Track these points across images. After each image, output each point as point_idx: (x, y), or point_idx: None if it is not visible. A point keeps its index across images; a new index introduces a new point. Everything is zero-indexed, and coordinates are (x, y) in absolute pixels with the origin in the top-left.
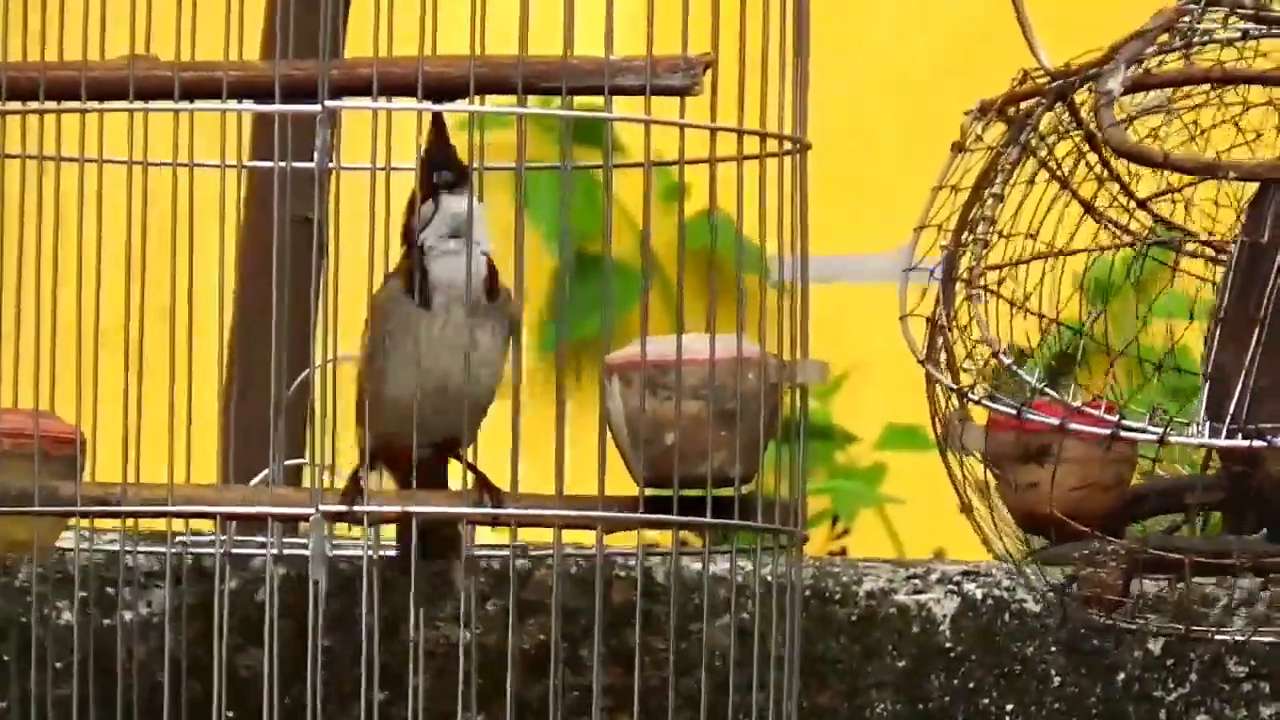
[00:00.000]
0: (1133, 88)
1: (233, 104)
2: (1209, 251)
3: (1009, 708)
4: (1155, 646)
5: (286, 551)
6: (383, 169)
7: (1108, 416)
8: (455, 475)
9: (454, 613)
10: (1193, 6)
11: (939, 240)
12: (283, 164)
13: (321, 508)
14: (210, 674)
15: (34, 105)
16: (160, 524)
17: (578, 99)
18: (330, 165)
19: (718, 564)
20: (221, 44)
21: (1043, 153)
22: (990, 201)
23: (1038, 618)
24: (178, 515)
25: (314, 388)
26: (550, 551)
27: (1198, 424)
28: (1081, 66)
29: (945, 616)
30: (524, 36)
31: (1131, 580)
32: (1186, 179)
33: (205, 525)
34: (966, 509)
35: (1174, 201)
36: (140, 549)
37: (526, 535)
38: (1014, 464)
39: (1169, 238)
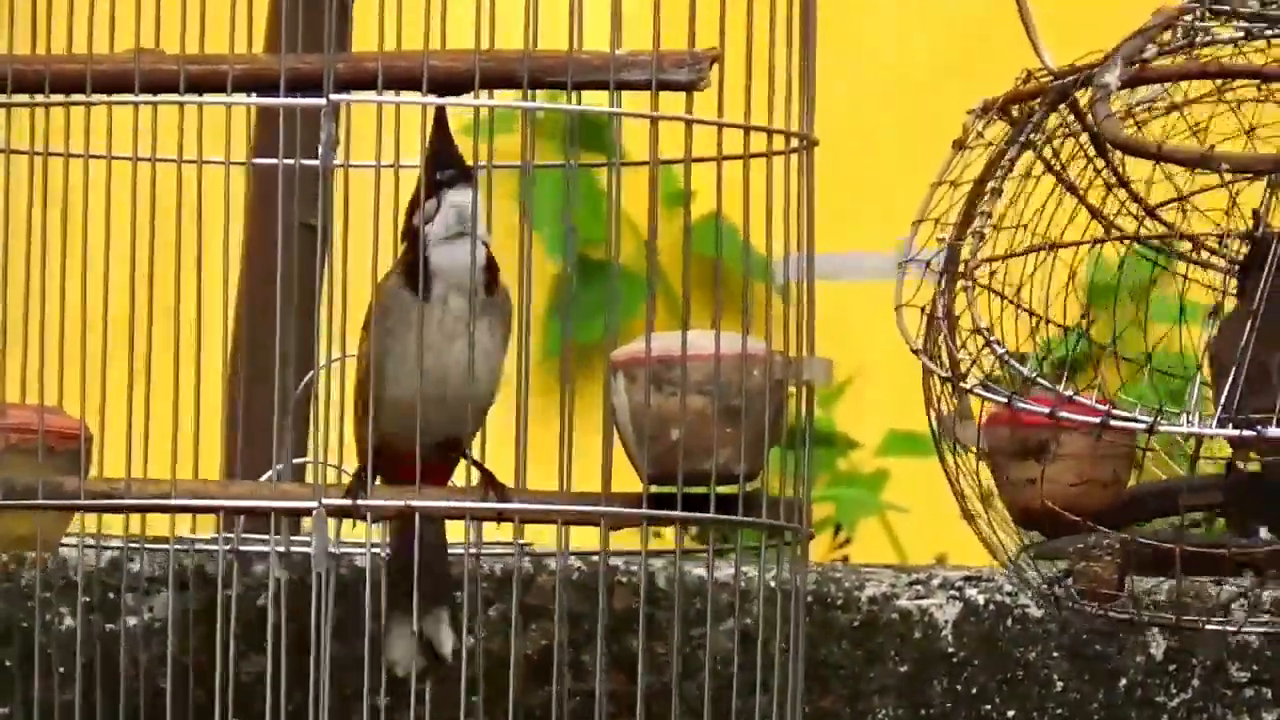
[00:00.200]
0: (1130, 82)
1: (238, 97)
2: (1209, 257)
3: (1011, 713)
4: (1157, 652)
5: (290, 550)
6: (389, 166)
7: (1099, 406)
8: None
9: (456, 618)
10: (1194, 6)
11: (936, 234)
12: (289, 160)
13: (324, 502)
14: (211, 679)
15: (39, 98)
16: (164, 528)
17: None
18: (336, 162)
19: (721, 570)
20: (227, 37)
21: (1047, 153)
22: (989, 196)
23: (1040, 623)
24: (181, 510)
25: (317, 385)
26: (552, 553)
27: (1188, 414)
28: (1085, 67)
29: (947, 622)
30: (530, 31)
31: (1126, 575)
32: (1195, 186)
33: (209, 527)
34: (960, 499)
35: (1182, 210)
36: (144, 549)
37: (530, 535)
38: (1011, 460)
39: (1161, 234)
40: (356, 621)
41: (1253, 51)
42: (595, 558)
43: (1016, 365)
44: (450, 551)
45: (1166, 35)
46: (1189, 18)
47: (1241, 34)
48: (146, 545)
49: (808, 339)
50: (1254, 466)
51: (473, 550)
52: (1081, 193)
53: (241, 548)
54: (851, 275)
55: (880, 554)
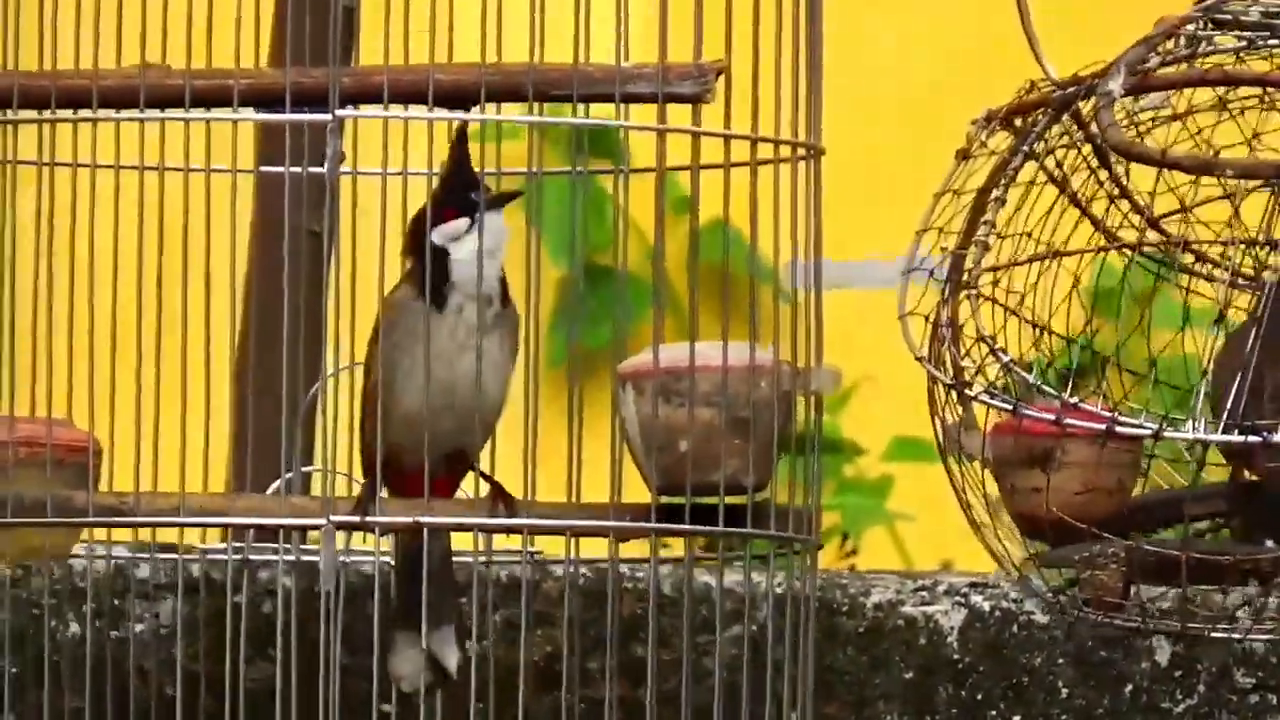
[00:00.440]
0: (1133, 90)
1: (244, 113)
2: (1211, 269)
3: (1016, 719)
4: (1163, 658)
5: (300, 558)
6: (396, 173)
7: (1103, 413)
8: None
9: (463, 625)
10: (1197, 15)
11: (940, 242)
12: (295, 169)
13: (333, 518)
14: (217, 687)
15: (46, 114)
16: (173, 533)
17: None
18: (344, 170)
19: (729, 576)
20: (232, 52)
21: (1050, 163)
22: (992, 205)
23: (1045, 629)
24: (189, 525)
25: (323, 396)
26: (560, 561)
27: (1194, 421)
28: (1088, 77)
29: (953, 628)
30: (536, 44)
31: (1131, 584)
32: (1198, 198)
33: (217, 536)
34: (966, 508)
35: (1185, 222)
36: (153, 557)
37: (539, 542)
38: (1016, 469)
39: (1162, 241)
40: (364, 630)
41: (1255, 60)
42: (602, 565)
43: (1021, 372)
44: (457, 559)
45: (1169, 44)
46: (1191, 27)
47: (1244, 43)
48: (155, 555)
49: (815, 348)
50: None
51: (481, 559)
52: (1084, 204)
53: (250, 556)
54: (858, 284)
55: (886, 560)
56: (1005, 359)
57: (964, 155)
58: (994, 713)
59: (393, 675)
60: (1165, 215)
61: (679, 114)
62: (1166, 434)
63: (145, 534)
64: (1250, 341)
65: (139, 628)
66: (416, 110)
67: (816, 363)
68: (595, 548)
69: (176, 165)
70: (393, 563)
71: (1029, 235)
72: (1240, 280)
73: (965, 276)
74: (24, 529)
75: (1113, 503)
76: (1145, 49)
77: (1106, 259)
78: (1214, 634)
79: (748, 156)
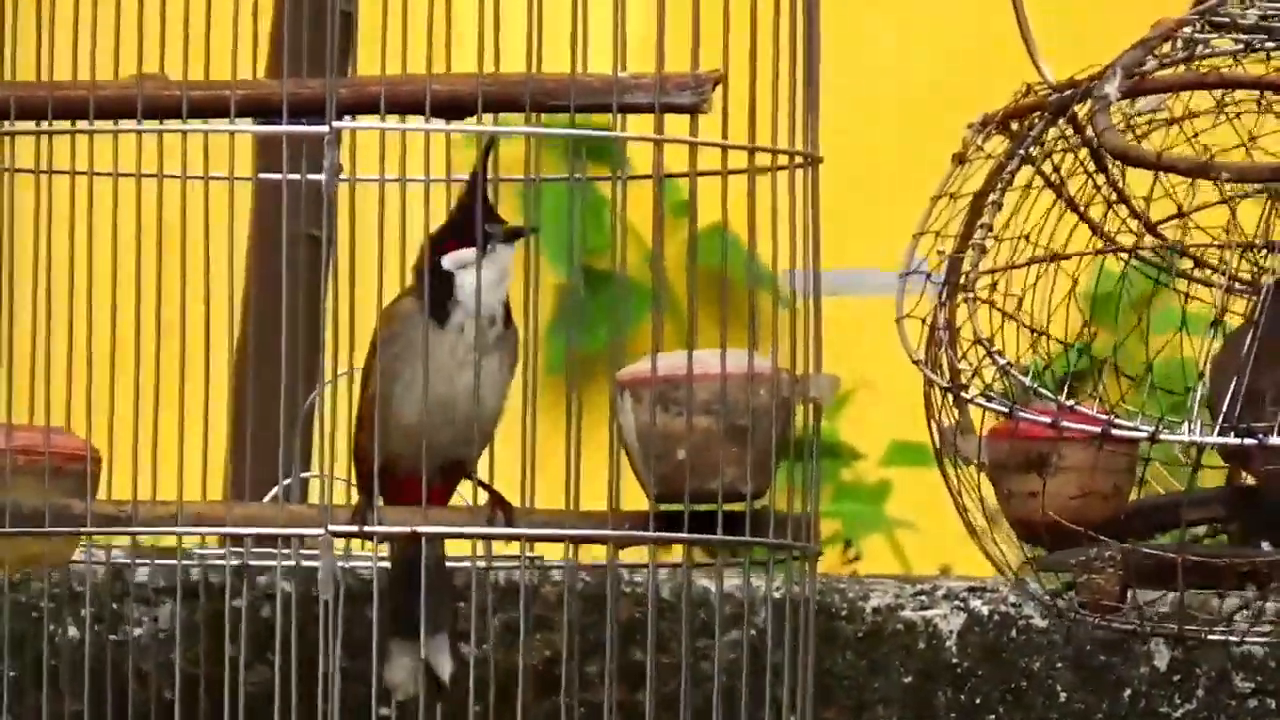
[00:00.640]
0: (1130, 93)
1: (241, 124)
2: (1210, 274)
3: None
4: (1161, 663)
5: (298, 563)
6: (395, 180)
7: (1100, 415)
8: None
9: (462, 629)
10: (1194, 18)
11: (937, 246)
12: (293, 176)
13: (331, 527)
14: (216, 691)
15: (43, 125)
16: (171, 540)
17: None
18: (342, 177)
19: (728, 581)
20: (229, 62)
21: (1046, 168)
22: (989, 208)
23: (1044, 633)
24: (186, 534)
25: (319, 404)
26: (559, 565)
27: (1190, 423)
28: (1084, 81)
29: (952, 632)
30: (533, 54)
31: (1128, 587)
32: (1194, 203)
33: (216, 542)
34: (962, 512)
35: (1182, 228)
36: (152, 562)
37: (538, 548)
38: (1013, 474)
39: (1159, 245)
40: (362, 634)
41: (1252, 63)
42: (601, 568)
43: (1017, 375)
44: (455, 565)
45: (1166, 47)
46: (1189, 30)
47: (1241, 47)
48: (154, 560)
49: (814, 356)
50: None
51: (480, 564)
52: (1081, 209)
53: (248, 562)
54: (856, 291)
55: (885, 565)
56: (1001, 361)
57: (960, 159)
58: (993, 717)
59: (386, 682)
60: (1162, 221)
61: (676, 124)
62: (1163, 436)
63: (144, 538)
64: (1247, 344)
65: (137, 632)
66: (413, 121)
67: (815, 370)
68: (594, 551)
69: (174, 174)
70: (388, 570)
71: (1026, 238)
72: (1237, 285)
73: (962, 279)
74: (23, 537)
75: (1109, 507)
76: (1142, 52)
77: (1104, 264)
78: (1211, 636)
79: (744, 163)
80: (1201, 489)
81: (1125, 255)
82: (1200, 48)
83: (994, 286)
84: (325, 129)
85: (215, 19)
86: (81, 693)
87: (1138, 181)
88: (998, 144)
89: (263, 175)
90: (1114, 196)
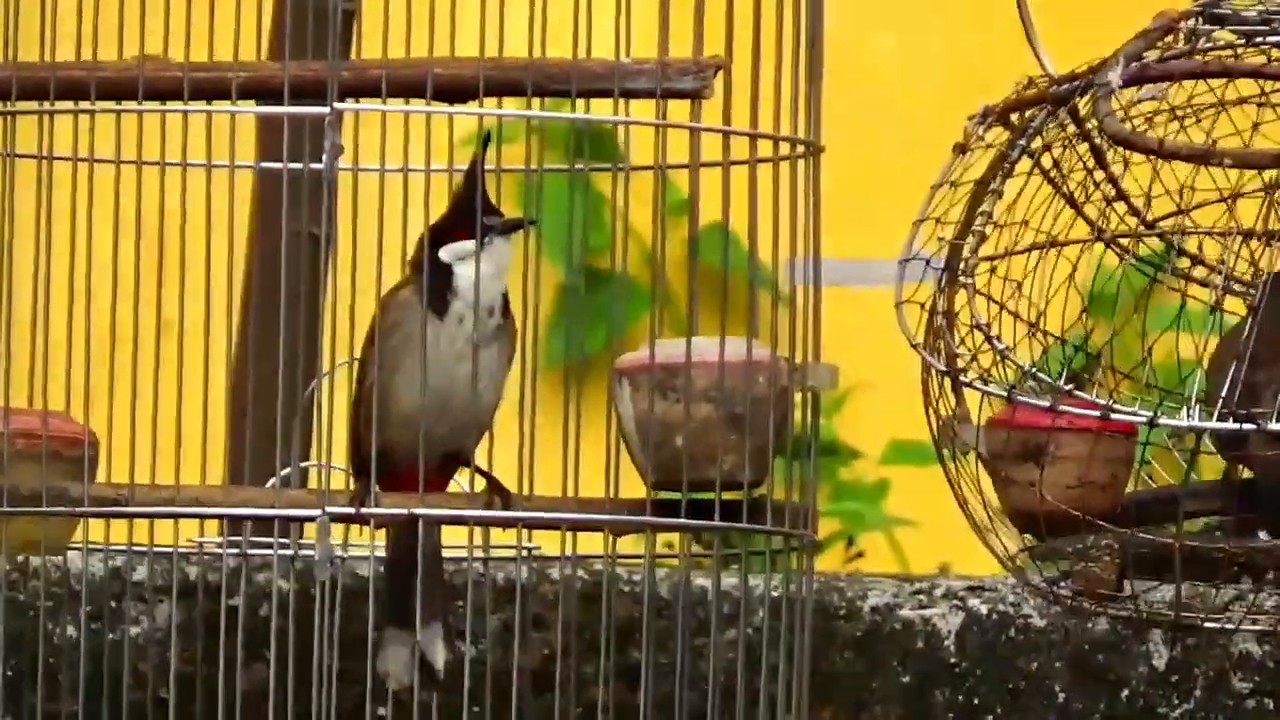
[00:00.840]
0: (1131, 81)
1: (241, 106)
2: (1208, 275)
3: None
4: (1160, 662)
5: (295, 558)
6: (396, 170)
7: (1098, 400)
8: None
9: (458, 627)
10: (1195, 11)
11: (937, 233)
12: (295, 165)
13: (328, 509)
14: (212, 689)
15: (45, 105)
16: (169, 533)
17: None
18: (342, 167)
19: (726, 577)
20: (232, 44)
21: (1046, 162)
22: (989, 196)
23: (1043, 633)
24: (185, 516)
25: (319, 392)
26: (556, 558)
27: (1188, 408)
28: (1085, 73)
29: (950, 632)
30: (536, 39)
31: (1125, 576)
32: (1194, 200)
33: (214, 531)
34: (961, 503)
35: (1181, 227)
36: (150, 553)
37: (536, 539)
38: (1011, 462)
39: (1160, 232)
40: (359, 631)
41: (1253, 56)
42: (598, 566)
43: (1015, 360)
44: (453, 557)
45: (1167, 40)
46: (1190, 22)
47: (1242, 40)
48: (152, 549)
49: (813, 345)
50: (1246, 474)
51: (477, 555)
52: (1079, 205)
53: (247, 551)
54: (858, 282)
55: (883, 564)
56: (1000, 346)
57: (961, 149)
58: (991, 716)
59: (380, 672)
60: (1161, 218)
61: (679, 110)
62: (1161, 421)
63: (142, 531)
64: (1246, 333)
65: (135, 630)
66: (415, 104)
67: (814, 359)
68: (591, 545)
69: (175, 160)
70: (384, 559)
71: (1025, 223)
72: (1235, 285)
73: (962, 265)
74: (21, 522)
75: (1106, 498)
76: (1144, 43)
77: (1102, 260)
78: (1207, 624)
79: (747, 153)
80: (1199, 481)
81: (1123, 250)
82: (1202, 40)
83: (993, 272)
84: (326, 110)
85: (217, 1)
86: (78, 691)
87: (1137, 177)
88: (998, 135)
89: (264, 164)
90: (1112, 193)
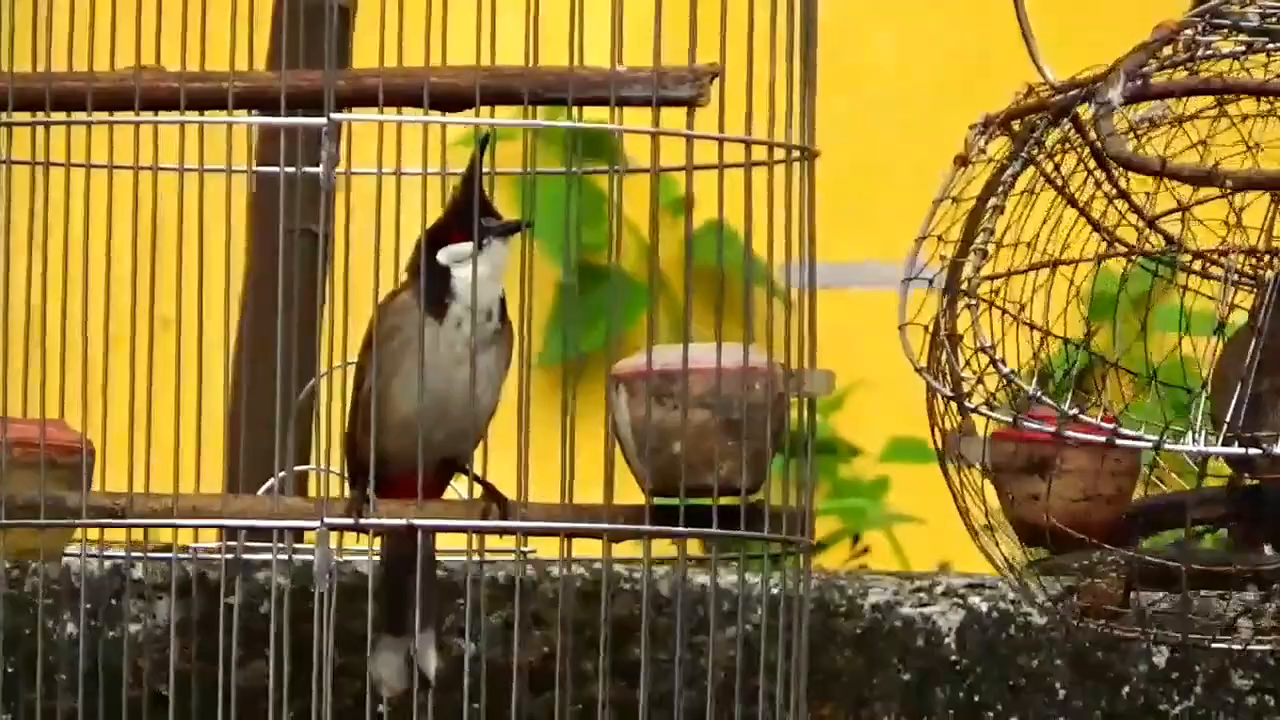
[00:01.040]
0: (1133, 97)
1: (238, 116)
2: (1213, 269)
3: None
4: (1160, 660)
5: (293, 557)
6: (390, 173)
7: (1104, 424)
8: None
9: (457, 625)
10: (1195, 20)
11: (939, 250)
12: (289, 169)
13: (327, 520)
14: (211, 687)
15: (40, 116)
16: (167, 535)
17: (586, 112)
18: (338, 171)
19: (724, 577)
20: (228, 54)
21: (1048, 167)
22: (990, 213)
23: (1043, 631)
24: (183, 525)
25: (318, 397)
26: (554, 561)
27: (1194, 433)
28: (1086, 81)
29: (950, 629)
30: (531, 47)
31: (1131, 591)
32: (1196, 197)
33: (213, 535)
34: (965, 516)
35: (1184, 222)
36: (147, 557)
37: (532, 541)
38: (1016, 476)
39: (1163, 250)
40: (359, 628)
41: (1254, 66)
42: (598, 565)
43: (1021, 384)
44: (451, 560)
45: (1168, 50)
46: (1190, 32)
47: (1243, 49)
48: (149, 555)
49: (809, 350)
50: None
51: (475, 559)
52: (1083, 206)
53: (243, 556)
54: (855, 285)
55: (884, 562)
56: (1005, 371)
57: (963, 162)
58: (991, 714)
59: (372, 678)
60: (1163, 215)
61: (674, 117)
62: (1167, 446)
63: (139, 535)
64: (1251, 349)
65: (134, 628)
66: (411, 114)
67: (810, 365)
68: (589, 549)
69: (171, 166)
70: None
71: (1029, 245)
72: (1241, 283)
73: (964, 285)
74: (17, 531)
75: (1112, 510)
76: (1144, 55)
77: (1106, 263)
78: (1215, 645)
79: (741, 157)
80: (1205, 489)
81: (1130, 249)
82: (1202, 50)
83: (995, 293)
84: (323, 121)
85: (213, 11)
86: (77, 689)
87: (1140, 179)
88: (1000, 145)
89: (259, 169)
90: (1115, 194)
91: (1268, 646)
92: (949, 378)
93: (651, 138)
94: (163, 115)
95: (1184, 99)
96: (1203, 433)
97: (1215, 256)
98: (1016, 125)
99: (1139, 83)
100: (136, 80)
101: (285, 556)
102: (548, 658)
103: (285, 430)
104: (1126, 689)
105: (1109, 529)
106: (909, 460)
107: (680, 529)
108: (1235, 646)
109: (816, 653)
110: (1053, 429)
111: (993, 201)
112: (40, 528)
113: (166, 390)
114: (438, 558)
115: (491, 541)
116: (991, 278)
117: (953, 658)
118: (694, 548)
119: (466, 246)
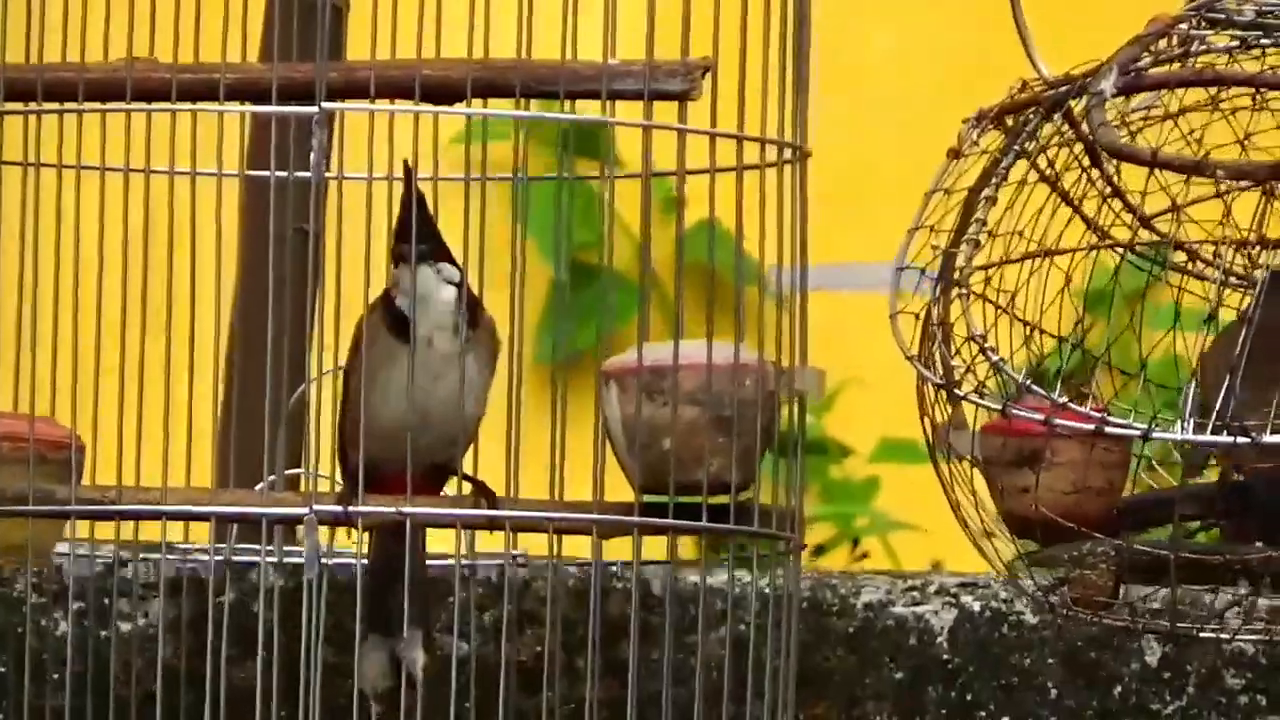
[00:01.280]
0: (1125, 89)
1: (229, 106)
2: (1203, 268)
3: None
4: (1152, 659)
5: (283, 560)
6: (382, 178)
7: (1093, 413)
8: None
9: (448, 624)
10: (1189, 14)
11: (931, 241)
12: (281, 174)
13: (316, 509)
14: (203, 685)
15: (32, 106)
16: (157, 535)
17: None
18: (329, 175)
19: (715, 575)
20: (220, 46)
21: (1041, 162)
22: (983, 204)
23: (1035, 630)
24: (172, 517)
25: (309, 395)
26: (544, 560)
27: (1183, 421)
28: (1080, 76)
29: (943, 628)
30: (523, 40)
31: (1121, 583)
32: (1189, 196)
33: (202, 535)
34: (955, 508)
35: (1176, 219)
36: (137, 557)
37: (523, 544)
38: (1006, 469)
39: (1155, 241)
40: (350, 626)
41: (1248, 60)
42: (588, 566)
43: (1010, 372)
44: (439, 562)
45: (1162, 44)
46: (1184, 26)
47: (1237, 43)
48: (140, 554)
49: (800, 349)
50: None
51: (465, 560)
52: (1076, 203)
53: (234, 557)
54: (848, 286)
55: (876, 561)
56: (994, 358)
57: (955, 154)
58: (984, 713)
59: (358, 677)
60: (1157, 214)
61: (666, 111)
62: (1155, 435)
63: (129, 531)
64: (1240, 340)
65: (125, 627)
66: (403, 105)
67: (801, 363)
68: (579, 548)
69: (163, 168)
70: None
71: (1020, 234)
72: (1233, 279)
73: (956, 275)
74: (6, 527)
75: (1102, 503)
76: (1138, 49)
77: (1098, 258)
78: (1203, 634)
79: (733, 156)
80: (1195, 484)
81: (1120, 250)
82: (1196, 44)
83: (987, 282)
84: (314, 110)
85: (206, 3)
86: (67, 687)
87: (1133, 175)
88: (993, 139)
89: (250, 172)
90: (1108, 190)
91: (1255, 638)
92: (940, 366)
93: (643, 131)
94: (153, 105)
95: (1177, 92)
96: (1191, 422)
97: (1206, 250)
98: (1010, 120)
99: (1132, 75)
100: (129, 71)
101: (274, 557)
102: (538, 656)
103: (276, 429)
104: (1118, 688)
105: (1099, 522)
106: (899, 460)
107: (669, 522)
108: (1224, 636)
109: (809, 652)
110: (1041, 417)
111: (986, 192)
112: (29, 515)
113: (157, 389)
114: (428, 561)
115: (482, 540)
116: (984, 267)
117: (945, 657)
118: (686, 549)
119: (399, 272)
